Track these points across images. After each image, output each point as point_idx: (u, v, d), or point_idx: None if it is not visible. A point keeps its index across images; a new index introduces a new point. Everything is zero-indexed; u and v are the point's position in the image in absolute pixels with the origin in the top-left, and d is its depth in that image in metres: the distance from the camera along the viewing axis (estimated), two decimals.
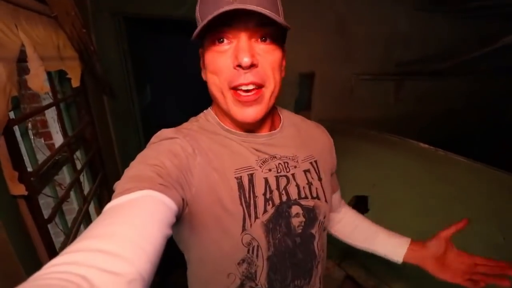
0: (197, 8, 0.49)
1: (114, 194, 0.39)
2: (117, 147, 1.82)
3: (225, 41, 0.47)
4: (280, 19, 0.45)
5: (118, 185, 0.41)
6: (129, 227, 0.33)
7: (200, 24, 0.46)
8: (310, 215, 0.58)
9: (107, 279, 0.27)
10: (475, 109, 3.16)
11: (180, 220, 0.49)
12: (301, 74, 2.19)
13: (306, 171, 0.60)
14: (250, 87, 0.48)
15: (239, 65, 0.46)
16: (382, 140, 1.83)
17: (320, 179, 0.62)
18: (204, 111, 0.61)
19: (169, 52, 3.80)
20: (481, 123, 3.29)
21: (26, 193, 0.70)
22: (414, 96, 2.71)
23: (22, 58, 0.71)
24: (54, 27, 0.96)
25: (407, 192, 1.57)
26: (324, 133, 0.71)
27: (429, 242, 0.66)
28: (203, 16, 0.47)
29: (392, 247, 0.69)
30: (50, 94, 0.92)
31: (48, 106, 0.91)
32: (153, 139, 0.52)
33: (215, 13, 0.42)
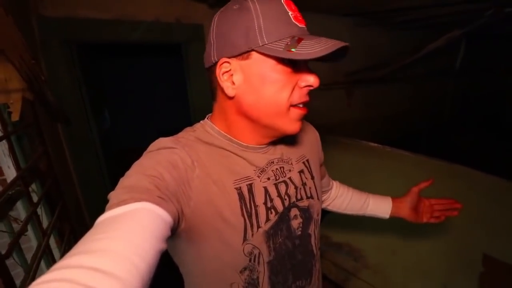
0: (260, 20, 0.45)
1: (108, 205, 0.38)
2: (76, 176, 1.74)
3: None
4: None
5: (113, 195, 0.39)
6: (123, 243, 0.31)
7: (280, 44, 0.44)
8: (306, 215, 0.60)
9: None
10: (417, 110, 3.55)
11: (175, 234, 0.47)
12: None
13: (300, 172, 0.61)
14: None
15: (310, 86, 0.49)
16: (339, 144, 1.99)
17: (312, 177, 0.64)
18: (201, 121, 0.58)
19: (126, 75, 3.74)
20: (424, 122, 3.70)
21: None
22: (363, 102, 2.98)
23: None
24: (0, 60, 0.94)
25: (363, 189, 1.71)
26: (312, 129, 0.73)
27: (405, 198, 0.83)
28: (272, 33, 0.45)
29: (382, 209, 0.84)
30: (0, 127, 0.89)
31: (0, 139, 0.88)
32: (150, 147, 0.50)
33: (323, 52, 0.42)
